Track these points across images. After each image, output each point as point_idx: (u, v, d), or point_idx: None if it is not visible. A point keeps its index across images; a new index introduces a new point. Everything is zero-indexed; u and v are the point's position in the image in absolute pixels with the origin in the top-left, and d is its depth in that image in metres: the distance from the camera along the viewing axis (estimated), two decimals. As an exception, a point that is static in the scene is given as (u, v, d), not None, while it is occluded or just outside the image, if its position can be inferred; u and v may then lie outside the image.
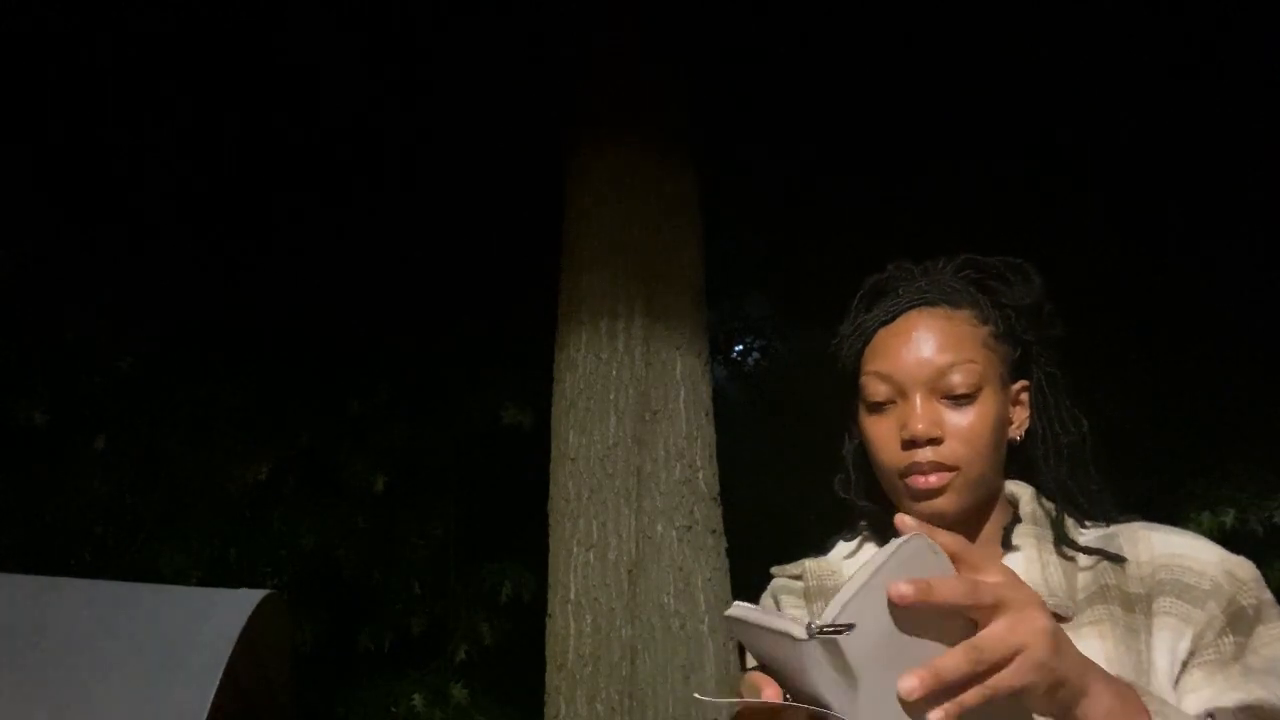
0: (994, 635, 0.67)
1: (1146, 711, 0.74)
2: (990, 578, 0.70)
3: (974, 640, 0.67)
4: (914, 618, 0.67)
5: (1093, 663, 0.73)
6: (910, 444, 0.91)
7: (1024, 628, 0.68)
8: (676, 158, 3.08)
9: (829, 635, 0.63)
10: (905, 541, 0.69)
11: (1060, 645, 0.69)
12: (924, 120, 3.91)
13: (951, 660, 0.66)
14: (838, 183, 4.08)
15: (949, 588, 0.67)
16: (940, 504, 0.91)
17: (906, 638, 0.67)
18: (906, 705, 0.66)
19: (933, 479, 0.90)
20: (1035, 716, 0.74)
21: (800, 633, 0.64)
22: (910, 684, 0.65)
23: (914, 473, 0.91)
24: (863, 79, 3.95)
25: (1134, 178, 3.82)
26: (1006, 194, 3.75)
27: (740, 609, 0.69)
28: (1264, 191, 3.72)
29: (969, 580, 0.69)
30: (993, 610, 0.68)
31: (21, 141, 3.80)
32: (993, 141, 3.84)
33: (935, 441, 0.90)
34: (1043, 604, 0.70)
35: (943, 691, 0.66)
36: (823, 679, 0.65)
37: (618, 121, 3.04)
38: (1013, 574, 0.72)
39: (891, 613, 0.66)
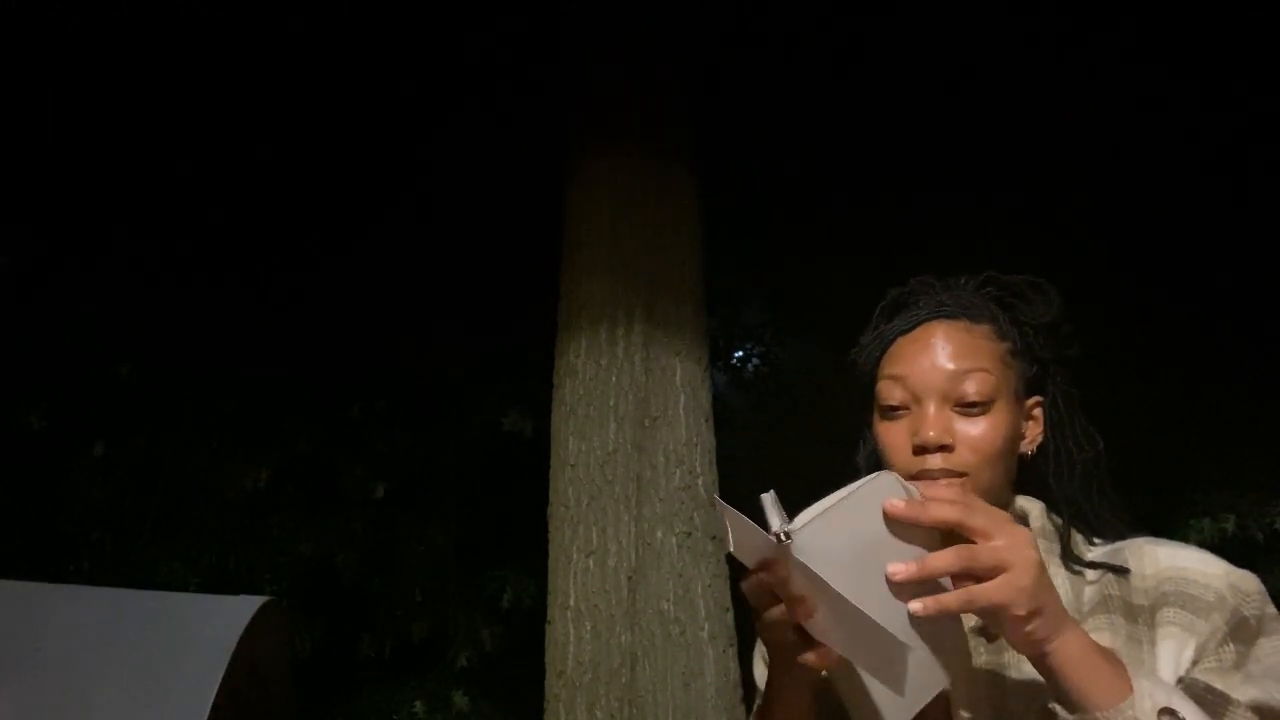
0: (987, 547, 0.73)
1: (1123, 665, 0.77)
2: (986, 510, 0.76)
3: (967, 545, 0.73)
4: (882, 545, 0.74)
5: (1074, 620, 0.78)
6: (921, 450, 0.92)
7: (1014, 552, 0.73)
8: (677, 164, 3.09)
9: (785, 540, 0.70)
10: (878, 475, 0.77)
11: (1044, 579, 0.75)
12: (925, 130, 3.91)
13: (942, 558, 0.73)
14: (838, 189, 4.09)
15: (942, 507, 0.74)
16: None
17: (873, 556, 0.73)
18: (895, 589, 0.73)
19: (942, 483, 0.91)
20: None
21: (774, 531, 0.71)
22: (897, 568, 0.72)
23: (924, 478, 0.92)
24: (865, 88, 3.96)
25: (1132, 188, 3.83)
26: (1006, 205, 3.76)
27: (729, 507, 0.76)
28: (1262, 200, 3.73)
29: (965, 503, 0.75)
30: (986, 532, 0.74)
31: (21, 145, 3.80)
32: (993, 153, 3.85)
33: (946, 448, 0.92)
34: (1033, 540, 0.76)
35: (924, 591, 0.73)
36: (798, 583, 0.73)
37: (619, 129, 3.04)
38: (1008, 515, 0.78)
39: (860, 534, 0.73)
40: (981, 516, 0.75)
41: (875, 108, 3.96)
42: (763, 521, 0.74)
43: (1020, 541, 0.75)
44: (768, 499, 0.74)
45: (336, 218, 4.15)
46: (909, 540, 0.75)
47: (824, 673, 0.81)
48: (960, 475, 0.91)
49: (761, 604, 0.78)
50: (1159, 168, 3.78)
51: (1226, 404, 3.73)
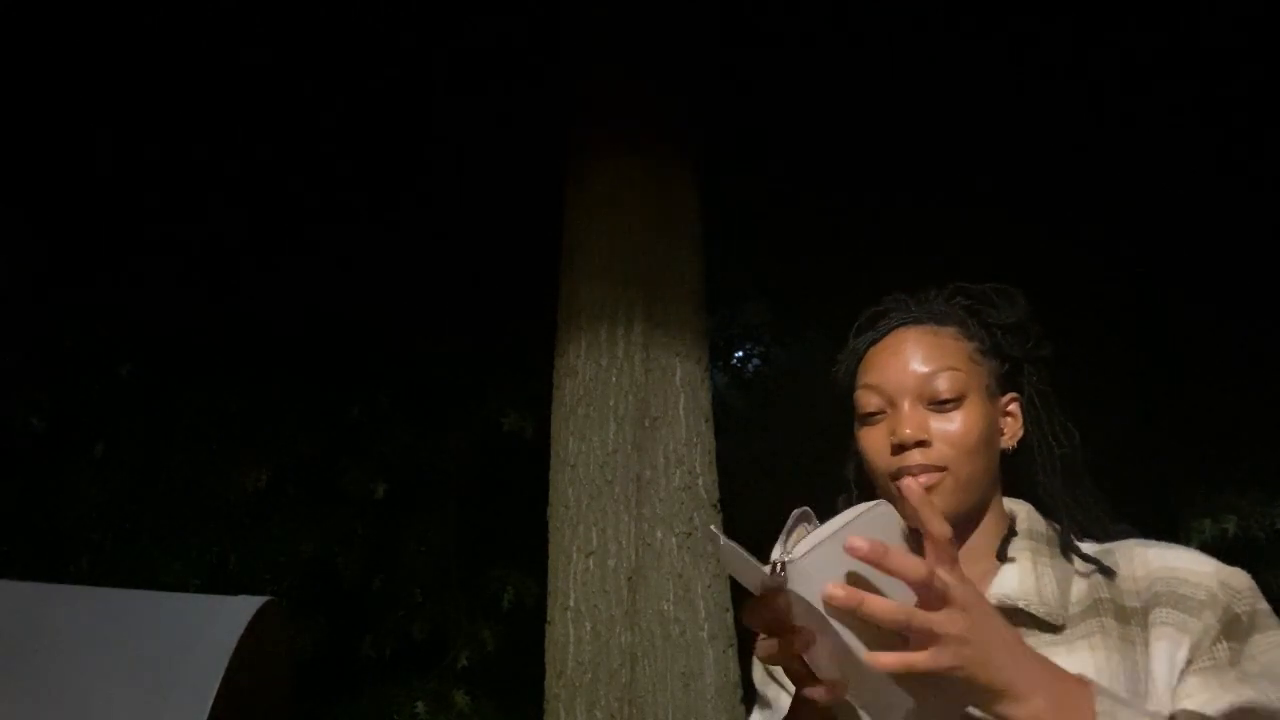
0: (929, 616, 0.72)
1: (1094, 715, 0.75)
2: (951, 574, 0.74)
3: (909, 606, 0.72)
4: (870, 576, 0.72)
5: (1043, 669, 0.76)
6: (899, 448, 0.95)
7: (958, 627, 0.72)
8: (676, 164, 3.09)
9: (781, 573, 0.70)
10: (876, 505, 0.77)
11: (988, 655, 0.73)
12: (924, 131, 3.91)
13: (881, 605, 0.71)
14: (839, 190, 4.09)
15: (903, 560, 0.72)
16: None
17: (863, 586, 0.72)
18: (866, 640, 0.71)
19: (921, 479, 0.93)
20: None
21: (766, 569, 0.71)
22: (833, 591, 0.70)
23: (904, 475, 0.94)
24: (864, 89, 3.96)
25: (1130, 190, 3.83)
26: (1008, 206, 3.76)
27: (726, 540, 0.75)
28: (1260, 199, 3.73)
29: (927, 565, 0.73)
30: (939, 599, 0.72)
31: (21, 145, 3.80)
32: (991, 154, 3.85)
33: (923, 444, 0.95)
34: (994, 616, 0.75)
35: (890, 643, 0.72)
36: (798, 614, 0.72)
37: (618, 128, 3.04)
38: (974, 587, 0.76)
39: (851, 565, 0.72)
40: (938, 582, 0.72)
41: (876, 109, 3.96)
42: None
43: (972, 618, 0.73)
44: (797, 515, 0.76)
45: (337, 217, 4.15)
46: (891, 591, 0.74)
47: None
48: (940, 470, 0.94)
49: (760, 632, 0.79)
50: (1161, 167, 3.78)
51: (1227, 405, 3.73)
